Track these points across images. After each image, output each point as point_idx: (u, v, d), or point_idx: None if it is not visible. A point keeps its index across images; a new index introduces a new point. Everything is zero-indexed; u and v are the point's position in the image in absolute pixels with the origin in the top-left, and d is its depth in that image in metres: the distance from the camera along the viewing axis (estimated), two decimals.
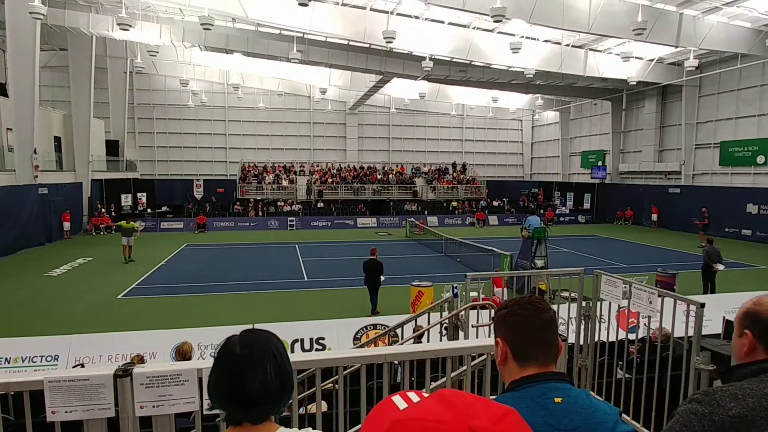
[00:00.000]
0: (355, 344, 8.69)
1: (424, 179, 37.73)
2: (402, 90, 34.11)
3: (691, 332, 3.64)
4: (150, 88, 36.74)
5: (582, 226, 31.21)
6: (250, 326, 1.62)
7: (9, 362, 7.94)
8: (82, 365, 7.42)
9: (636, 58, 25.30)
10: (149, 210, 30.40)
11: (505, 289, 9.89)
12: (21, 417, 2.59)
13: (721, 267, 12.52)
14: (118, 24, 19.12)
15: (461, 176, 39.20)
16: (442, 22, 22.20)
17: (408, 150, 41.47)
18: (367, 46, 23.85)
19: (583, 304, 4.81)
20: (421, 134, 41.84)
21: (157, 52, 26.72)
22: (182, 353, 5.90)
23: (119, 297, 13.17)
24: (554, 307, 2.06)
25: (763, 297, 1.48)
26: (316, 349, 8.68)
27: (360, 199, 34.63)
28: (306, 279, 15.73)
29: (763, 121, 23.90)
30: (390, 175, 37.55)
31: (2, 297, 12.94)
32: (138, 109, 36.35)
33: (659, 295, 4.03)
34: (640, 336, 5.78)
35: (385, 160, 40.31)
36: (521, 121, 43.82)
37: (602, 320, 4.81)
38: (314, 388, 2.46)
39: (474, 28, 22.75)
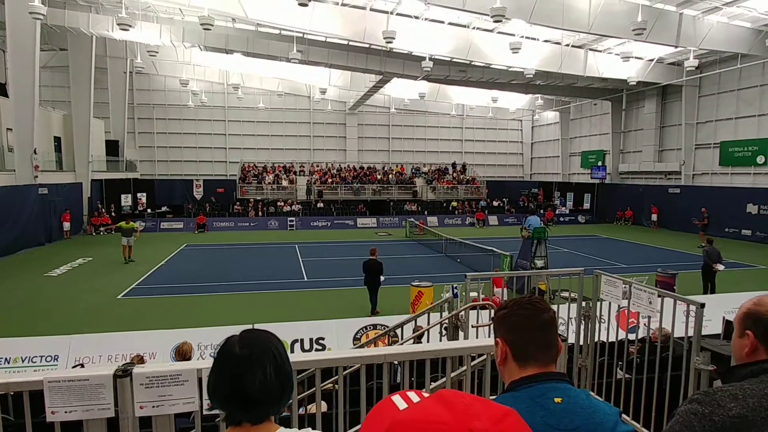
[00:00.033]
0: (354, 344, 8.69)
1: (424, 179, 37.73)
2: (402, 90, 34.11)
3: (691, 332, 3.64)
4: (150, 88, 36.74)
5: (582, 226, 31.21)
6: (249, 326, 1.62)
7: (9, 362, 7.94)
8: (82, 365, 7.42)
9: (636, 58, 25.30)
10: (149, 210, 30.40)
11: (505, 290, 9.90)
12: (21, 417, 2.59)
13: (721, 267, 12.51)
14: (118, 24, 19.12)
15: (461, 176, 39.20)
16: (442, 22, 22.20)
17: (408, 150, 41.47)
18: (367, 46, 23.84)
19: (583, 304, 4.81)
20: (421, 134, 41.85)
21: (157, 52, 26.72)
22: (182, 353, 5.90)
23: (119, 297, 13.17)
24: (554, 307, 2.06)
25: (764, 297, 1.48)
26: (316, 350, 8.68)
27: (360, 199, 34.62)
28: (306, 279, 15.73)
29: (763, 121, 23.91)
30: (390, 176, 37.55)
31: (2, 297, 12.94)
32: (138, 109, 36.36)
33: (659, 296, 4.03)
34: (640, 336, 5.78)
35: (385, 160, 40.31)
36: (521, 121, 43.82)
37: (602, 320, 4.81)
38: (314, 389, 2.46)
39: (474, 28, 22.76)
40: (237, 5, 18.89)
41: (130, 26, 19.30)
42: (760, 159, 23.79)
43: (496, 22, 17.04)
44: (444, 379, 2.55)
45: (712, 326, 7.60)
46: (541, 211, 31.62)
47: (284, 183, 35.12)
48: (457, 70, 26.23)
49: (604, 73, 25.49)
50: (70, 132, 25.83)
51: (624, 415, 3.87)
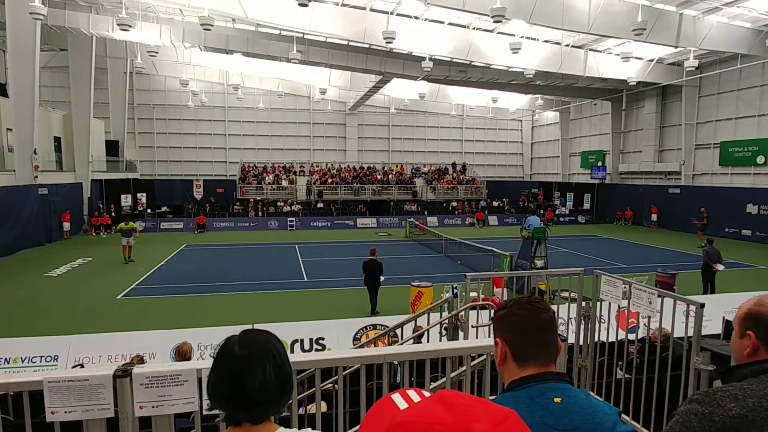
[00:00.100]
0: (354, 344, 8.68)
1: (424, 179, 37.72)
2: (402, 90, 34.11)
3: (690, 332, 3.64)
4: (150, 89, 36.75)
5: (582, 227, 31.20)
6: (249, 326, 1.62)
7: (8, 362, 7.94)
8: (82, 365, 7.41)
9: (636, 58, 25.30)
10: (149, 210, 30.39)
11: (505, 290, 9.90)
12: (20, 417, 2.59)
13: (721, 267, 12.51)
14: (118, 24, 19.12)
15: (461, 176, 39.19)
16: (442, 22, 22.20)
17: (408, 150, 41.47)
18: (367, 46, 23.84)
19: (583, 304, 4.80)
20: (421, 134, 41.86)
21: (157, 53, 26.73)
22: (182, 353, 5.90)
23: (119, 297, 13.17)
24: (554, 307, 2.06)
25: (764, 297, 1.48)
26: (316, 350, 8.68)
27: (360, 199, 34.62)
28: (306, 279, 15.73)
29: (763, 121, 23.91)
30: (390, 176, 37.54)
31: (2, 297, 12.94)
32: (138, 109, 36.36)
33: (659, 296, 4.03)
34: (639, 336, 5.78)
35: (385, 161, 40.30)
36: (521, 121, 43.83)
37: (602, 320, 4.81)
38: (314, 389, 2.46)
39: (474, 28, 22.76)
40: (237, 5, 18.89)
41: (130, 26, 19.30)
42: (760, 159, 23.79)
43: (496, 22, 17.05)
44: (444, 379, 2.55)
45: (712, 326, 7.60)
46: (541, 211, 31.67)
47: (284, 183, 35.12)
48: (457, 71, 26.24)
49: (604, 73, 25.49)
50: (70, 132, 25.83)
51: (624, 415, 3.87)
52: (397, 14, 20.94)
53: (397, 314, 9.40)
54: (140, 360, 6.02)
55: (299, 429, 1.34)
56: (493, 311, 1.57)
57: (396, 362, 2.90)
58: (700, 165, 27.57)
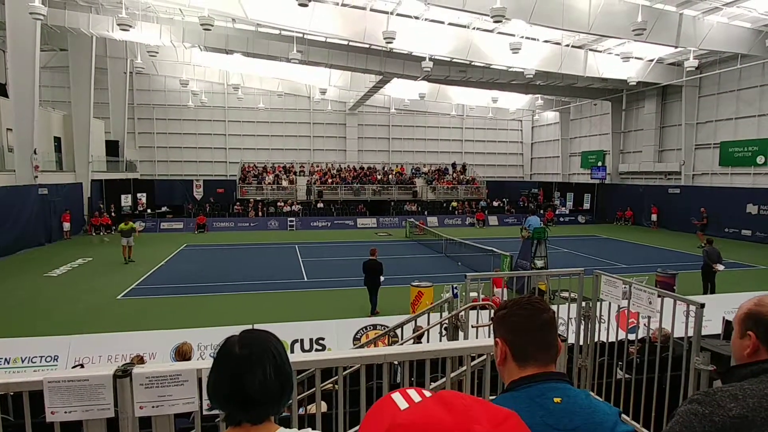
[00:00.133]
0: (354, 344, 8.68)
1: (424, 179, 37.72)
2: (402, 90, 34.11)
3: (690, 332, 3.64)
4: (150, 89, 36.75)
5: (582, 227, 31.20)
6: (249, 326, 1.62)
7: (9, 362, 7.94)
8: (82, 366, 7.41)
9: (636, 58, 25.30)
10: (149, 210, 30.40)
11: (505, 290, 9.90)
12: (20, 417, 2.59)
13: (720, 267, 12.51)
14: (118, 24, 19.13)
15: (461, 176, 39.19)
16: (442, 22, 22.20)
17: (408, 150, 41.47)
18: (367, 46, 23.84)
19: (583, 304, 4.80)
20: (421, 134, 41.86)
21: (157, 53, 26.73)
22: (182, 353, 5.90)
23: (119, 297, 13.16)
24: (554, 307, 2.06)
25: (764, 297, 1.48)
26: (316, 350, 8.68)
27: (360, 199, 34.62)
28: (306, 279, 15.73)
29: (763, 121, 23.90)
30: (390, 176, 37.55)
31: (2, 297, 12.94)
32: (138, 109, 36.36)
33: (659, 296, 4.03)
34: (639, 336, 5.78)
35: (385, 161, 40.30)
36: (521, 121, 43.82)
37: (602, 320, 4.81)
38: (314, 389, 2.46)
39: (474, 28, 22.76)
40: (237, 5, 18.89)
41: (130, 26, 19.31)
42: (760, 159, 23.79)
43: (496, 22, 17.04)
44: (444, 380, 2.55)
45: (712, 326, 7.60)
46: (541, 212, 31.67)
47: (284, 183, 35.12)
48: (457, 71, 26.24)
49: (604, 73, 25.49)
50: (70, 132, 25.83)
51: (624, 415, 3.87)
52: (397, 14, 20.94)
53: (397, 314, 9.40)
54: (140, 360, 6.02)
55: (299, 429, 1.34)
56: (493, 311, 1.57)
57: (396, 362, 2.90)
58: (700, 165, 27.57)
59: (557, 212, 33.92)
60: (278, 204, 32.98)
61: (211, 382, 1.31)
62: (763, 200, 22.98)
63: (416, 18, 21.68)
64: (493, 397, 1.68)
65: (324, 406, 3.83)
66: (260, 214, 31.63)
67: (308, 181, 35.60)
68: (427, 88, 32.92)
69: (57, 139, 26.07)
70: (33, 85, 20.03)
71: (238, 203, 33.04)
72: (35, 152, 20.47)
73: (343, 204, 34.18)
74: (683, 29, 19.91)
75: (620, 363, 4.66)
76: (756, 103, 24.20)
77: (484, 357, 2.55)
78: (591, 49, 25.02)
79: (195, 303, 12.57)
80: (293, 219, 30.27)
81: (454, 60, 24.33)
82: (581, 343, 4.79)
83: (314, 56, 24.99)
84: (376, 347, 5.63)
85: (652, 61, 25.81)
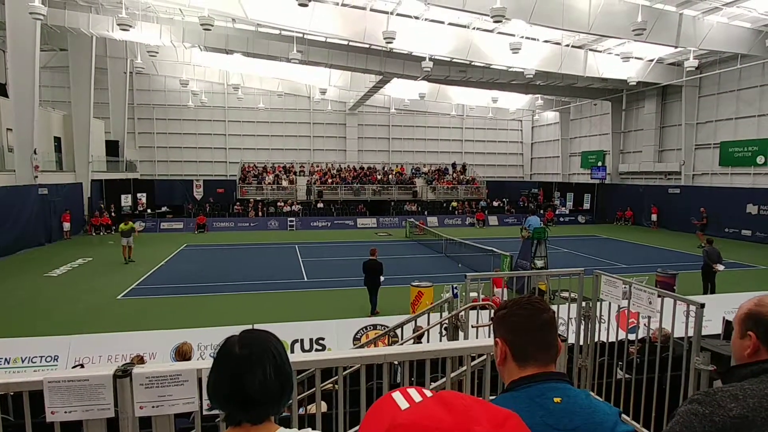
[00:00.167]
0: (354, 344, 8.68)
1: (424, 179, 37.72)
2: (402, 90, 34.11)
3: (691, 332, 3.64)
4: (150, 89, 36.75)
5: (582, 227, 31.20)
6: (249, 326, 1.62)
7: (9, 362, 7.94)
8: (82, 366, 7.41)
9: (636, 58, 25.30)
10: (149, 210, 30.40)
11: (505, 290, 9.90)
12: (20, 417, 2.59)
13: (721, 267, 12.51)
14: (118, 24, 19.13)
15: (461, 176, 39.19)
16: (442, 22, 22.20)
17: (408, 150, 41.47)
18: (367, 46, 23.84)
19: (583, 304, 4.80)
20: (421, 134, 41.86)
21: (157, 53, 26.72)
22: (182, 353, 5.90)
23: (119, 297, 13.17)
24: (554, 307, 2.06)
25: (764, 298, 1.48)
26: (316, 350, 8.68)
27: (360, 199, 34.62)
28: (306, 279, 15.73)
29: (763, 121, 23.90)
30: (390, 176, 37.55)
31: (2, 297, 12.94)
32: (138, 109, 36.36)
33: (659, 296, 4.03)
34: (640, 336, 5.77)
35: (385, 161, 40.30)
36: (521, 121, 43.82)
37: (602, 320, 4.80)
38: (314, 389, 2.46)
39: (474, 28, 22.76)
40: (237, 5, 18.89)
41: (130, 26, 19.31)
42: (760, 159, 23.79)
43: (496, 22, 17.05)
44: (444, 380, 2.55)
45: (712, 326, 7.60)
46: (541, 212, 31.68)
47: (284, 183, 35.12)
48: (457, 71, 26.23)
49: (604, 73, 25.49)
50: (70, 132, 25.83)
51: (624, 415, 3.87)
52: (397, 14, 20.94)
53: (397, 314, 9.40)
54: (140, 360, 6.02)
55: (299, 429, 1.34)
56: (493, 311, 1.57)
57: (396, 362, 2.90)
58: (700, 165, 27.57)
59: (557, 212, 33.92)
60: (278, 204, 32.98)
61: (211, 382, 1.31)
62: (763, 200, 22.98)
63: (416, 18, 21.68)
64: (493, 397, 1.68)
65: (324, 406, 3.82)
66: (260, 214, 31.63)
67: (308, 181, 35.60)
68: (427, 88, 32.92)
69: (57, 139, 26.07)
70: (33, 85, 20.03)
71: (238, 203, 33.04)
72: (35, 152, 20.47)
73: (343, 204, 34.18)
74: (683, 29, 19.91)
75: (620, 363, 4.66)
76: (756, 103, 24.20)
77: (484, 357, 2.55)
78: (591, 49, 25.02)
79: (195, 303, 12.57)
80: (293, 219, 30.27)
81: (454, 60, 24.33)
82: (581, 343, 4.79)
83: (314, 56, 24.99)
84: (376, 347, 5.63)
85: (652, 61, 25.81)
